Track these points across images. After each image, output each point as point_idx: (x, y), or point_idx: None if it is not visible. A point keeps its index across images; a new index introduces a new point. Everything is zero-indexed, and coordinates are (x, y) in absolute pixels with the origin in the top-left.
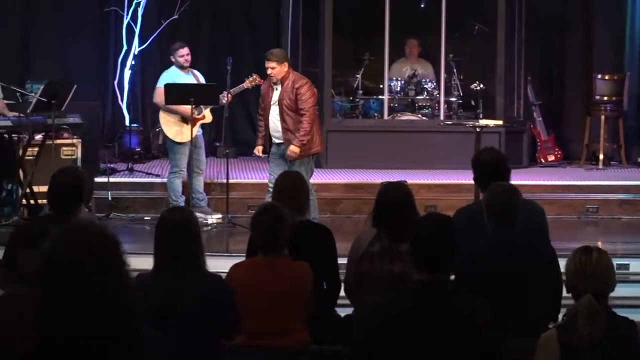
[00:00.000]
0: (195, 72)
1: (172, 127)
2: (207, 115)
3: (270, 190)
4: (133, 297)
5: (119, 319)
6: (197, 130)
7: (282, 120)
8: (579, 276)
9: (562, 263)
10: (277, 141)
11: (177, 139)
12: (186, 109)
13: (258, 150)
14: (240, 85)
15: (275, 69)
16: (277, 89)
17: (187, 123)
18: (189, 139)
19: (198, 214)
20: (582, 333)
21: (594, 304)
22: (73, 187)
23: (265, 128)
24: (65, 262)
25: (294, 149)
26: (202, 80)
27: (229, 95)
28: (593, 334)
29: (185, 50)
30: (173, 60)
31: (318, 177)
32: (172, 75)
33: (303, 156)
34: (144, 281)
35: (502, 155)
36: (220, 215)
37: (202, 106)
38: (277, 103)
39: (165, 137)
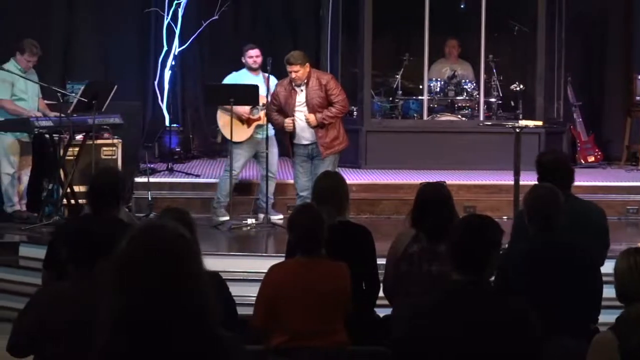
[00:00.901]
0: (269, 75)
1: (227, 126)
2: (263, 117)
3: (300, 193)
4: (214, 301)
5: (200, 322)
6: (251, 131)
7: None
8: (634, 276)
9: (609, 264)
10: (305, 142)
11: (233, 139)
12: (242, 109)
13: (289, 122)
14: None
15: (299, 71)
16: (301, 91)
17: (243, 123)
18: (245, 139)
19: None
20: None
21: None
22: (111, 187)
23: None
24: (142, 264)
25: (311, 117)
26: (273, 83)
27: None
28: None
29: (254, 52)
30: (243, 61)
31: (357, 178)
32: (238, 76)
33: (331, 154)
34: None
35: (564, 156)
36: (281, 216)
37: (258, 107)
38: (304, 104)
39: (223, 136)
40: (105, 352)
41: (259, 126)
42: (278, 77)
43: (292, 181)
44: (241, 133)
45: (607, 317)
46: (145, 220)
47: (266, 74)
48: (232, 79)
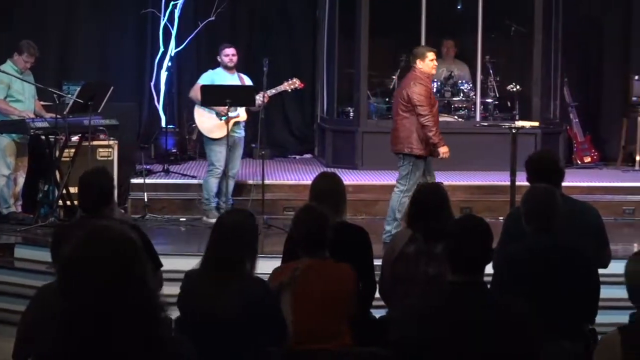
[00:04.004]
0: (243, 75)
1: (205, 123)
2: (242, 114)
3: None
4: (157, 302)
5: (142, 323)
6: (229, 128)
7: None
8: None
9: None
10: None
11: (211, 135)
12: (221, 106)
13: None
14: (278, 87)
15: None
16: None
17: (221, 119)
18: (224, 135)
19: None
20: None
21: None
22: (100, 188)
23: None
24: (85, 265)
25: None
26: (248, 83)
27: (266, 96)
28: None
29: (230, 50)
30: (219, 60)
31: (354, 178)
32: (213, 75)
33: None
34: (191, 279)
35: (554, 155)
36: None
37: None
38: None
39: (200, 134)
40: (48, 353)
41: (237, 124)
42: (276, 77)
43: (252, 181)
44: (219, 130)
45: (604, 318)
46: (92, 224)
47: (243, 75)
48: (208, 77)
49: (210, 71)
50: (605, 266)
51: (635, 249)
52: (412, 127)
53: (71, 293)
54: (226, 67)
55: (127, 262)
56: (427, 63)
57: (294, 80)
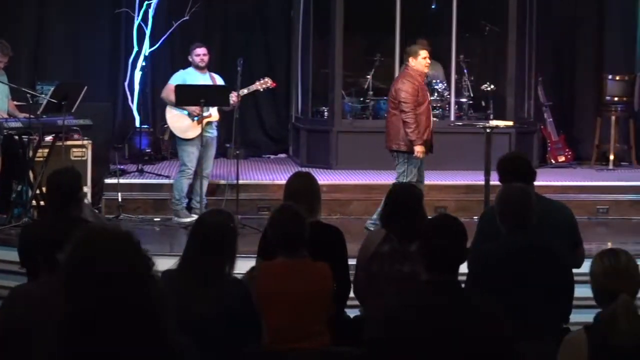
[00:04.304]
0: (214, 75)
1: (178, 124)
2: (214, 114)
3: None
4: (165, 305)
5: (152, 330)
6: (200, 128)
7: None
8: (610, 277)
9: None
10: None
11: (183, 136)
12: (193, 106)
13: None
14: (250, 87)
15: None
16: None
17: (193, 119)
18: (196, 135)
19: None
20: (624, 333)
21: (632, 303)
22: (69, 187)
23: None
24: (90, 266)
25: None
26: (220, 83)
27: (237, 96)
28: (634, 332)
29: (201, 50)
30: (190, 59)
31: (328, 178)
32: (185, 75)
33: None
34: (169, 279)
35: (526, 156)
36: None
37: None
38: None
39: (172, 134)
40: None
41: (209, 124)
42: (250, 77)
43: (226, 181)
44: (192, 130)
45: (579, 317)
46: (87, 224)
47: (215, 75)
48: (180, 77)
49: (181, 71)
50: (579, 265)
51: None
52: (400, 123)
53: (77, 295)
54: (197, 67)
55: (130, 260)
56: (420, 61)
57: (266, 79)
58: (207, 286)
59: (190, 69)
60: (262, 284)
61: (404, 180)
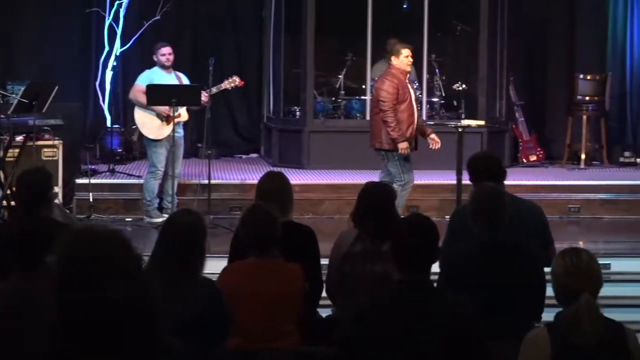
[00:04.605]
0: (180, 74)
1: (147, 124)
2: (183, 114)
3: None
4: (155, 302)
5: (143, 327)
6: (170, 129)
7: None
8: (572, 276)
9: None
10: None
11: (153, 137)
12: (162, 107)
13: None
14: (219, 86)
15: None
16: (408, 82)
17: (162, 120)
18: (165, 136)
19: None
20: (586, 332)
21: (594, 303)
22: (39, 187)
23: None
24: (82, 266)
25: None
26: (185, 82)
27: (207, 95)
28: (596, 332)
29: (166, 50)
30: (155, 59)
31: (300, 178)
32: (152, 75)
33: None
34: None
35: (496, 156)
36: None
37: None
38: (414, 96)
39: (141, 135)
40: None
41: (177, 124)
42: (222, 77)
43: (198, 181)
44: (161, 131)
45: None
46: (77, 224)
47: (180, 74)
48: (147, 77)
49: (147, 71)
50: (549, 265)
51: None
52: (381, 122)
53: (71, 296)
54: (163, 67)
55: (123, 260)
56: (402, 60)
57: (234, 78)
58: (177, 286)
59: (156, 69)
60: (233, 284)
61: (401, 182)
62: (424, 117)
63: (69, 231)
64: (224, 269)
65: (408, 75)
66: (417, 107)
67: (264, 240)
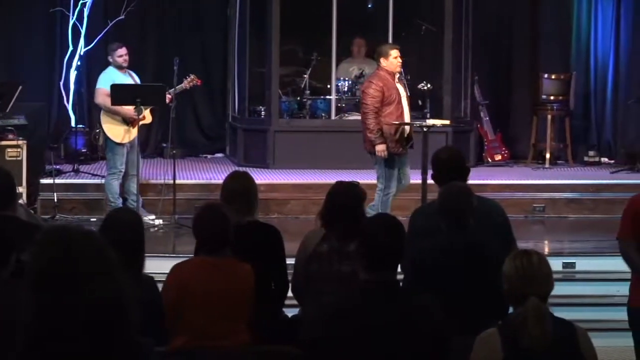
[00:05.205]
0: (132, 73)
1: (114, 128)
2: (147, 116)
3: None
4: (130, 302)
5: (118, 327)
6: (136, 132)
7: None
8: (522, 279)
9: None
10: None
11: (119, 140)
12: (128, 110)
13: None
14: (180, 86)
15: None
16: (397, 82)
17: (128, 124)
18: (130, 139)
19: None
20: (534, 335)
21: (542, 306)
22: (2, 187)
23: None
24: (55, 267)
25: None
26: (137, 80)
27: (169, 96)
28: (544, 336)
29: (123, 50)
30: (111, 60)
31: (266, 178)
32: (112, 76)
33: None
34: None
35: (460, 153)
36: (153, 216)
37: (142, 107)
38: (404, 97)
39: (107, 138)
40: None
41: (148, 125)
42: (182, 77)
43: (163, 181)
44: (127, 134)
45: None
46: (50, 223)
47: (132, 72)
48: (109, 78)
49: (105, 73)
50: None
51: (546, 247)
52: None
53: (45, 296)
54: (120, 67)
55: (87, 260)
56: (391, 61)
57: (192, 77)
58: None
59: (112, 69)
60: (181, 282)
61: (382, 185)
62: None
63: (44, 231)
64: (173, 267)
65: (398, 75)
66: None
67: (214, 238)
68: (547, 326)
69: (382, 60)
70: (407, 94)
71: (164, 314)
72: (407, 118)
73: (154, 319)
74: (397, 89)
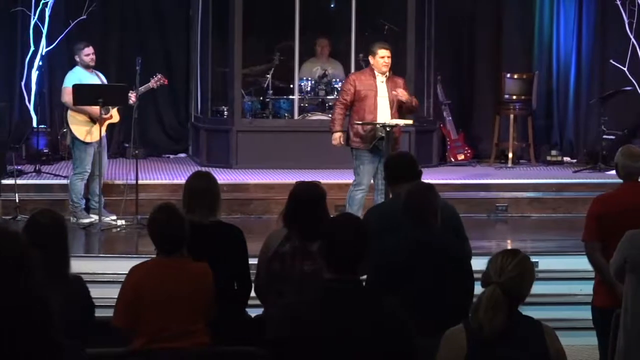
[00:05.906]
0: (98, 72)
1: (81, 127)
2: (115, 115)
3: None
4: (49, 304)
5: (38, 328)
6: (102, 130)
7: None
8: (495, 271)
9: (475, 262)
10: (381, 134)
11: (87, 139)
12: (95, 109)
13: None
14: (146, 85)
15: (390, 59)
16: (382, 82)
17: (95, 123)
18: (97, 139)
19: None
20: (482, 321)
21: (497, 294)
22: None
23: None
24: None
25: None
26: (104, 80)
27: (135, 95)
28: (493, 323)
29: (90, 50)
30: (78, 60)
31: (228, 177)
32: (78, 75)
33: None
34: None
35: (412, 158)
36: (115, 217)
37: (109, 106)
38: (385, 97)
39: (74, 138)
40: None
41: (111, 125)
42: (149, 77)
43: (125, 181)
44: (94, 133)
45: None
46: None
47: (98, 72)
48: (75, 78)
49: (72, 72)
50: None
51: (508, 245)
52: (350, 122)
53: None
54: (87, 67)
55: (18, 259)
56: (377, 60)
57: (159, 76)
58: (53, 285)
59: (78, 69)
60: (139, 284)
61: (355, 179)
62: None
63: None
64: (131, 269)
65: (386, 75)
66: (390, 105)
67: (169, 239)
68: (498, 314)
69: (370, 58)
70: (397, 96)
71: (93, 312)
72: (380, 118)
73: (83, 318)
74: (375, 88)
